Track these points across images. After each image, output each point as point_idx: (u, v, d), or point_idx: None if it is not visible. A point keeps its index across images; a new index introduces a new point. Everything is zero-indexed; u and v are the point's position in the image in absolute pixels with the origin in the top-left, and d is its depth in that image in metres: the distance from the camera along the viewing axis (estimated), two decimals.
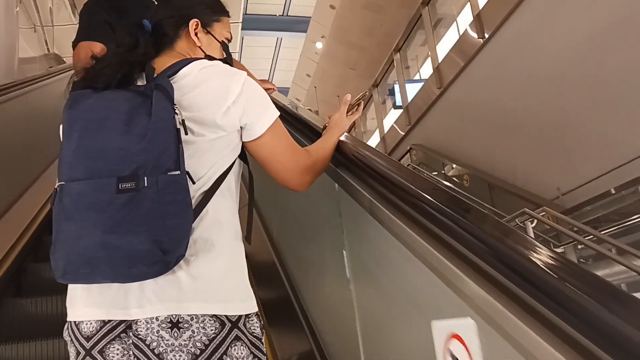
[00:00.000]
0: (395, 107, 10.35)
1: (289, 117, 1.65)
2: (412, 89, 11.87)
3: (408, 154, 7.81)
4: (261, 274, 2.00)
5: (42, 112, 4.04)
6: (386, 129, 9.52)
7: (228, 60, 1.27)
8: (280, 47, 17.86)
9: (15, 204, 3.31)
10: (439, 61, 7.39)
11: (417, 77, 10.96)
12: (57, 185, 1.03)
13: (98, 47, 1.85)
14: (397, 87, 10.68)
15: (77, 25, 2.10)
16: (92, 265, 0.98)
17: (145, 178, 0.97)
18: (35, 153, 3.90)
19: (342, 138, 1.39)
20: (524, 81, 5.53)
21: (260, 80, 1.71)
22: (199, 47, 1.24)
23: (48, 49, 6.32)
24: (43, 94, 4.12)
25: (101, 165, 0.99)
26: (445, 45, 7.80)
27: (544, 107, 5.27)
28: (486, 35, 6.11)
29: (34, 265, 3.05)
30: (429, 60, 9.69)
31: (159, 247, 0.96)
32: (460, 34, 6.83)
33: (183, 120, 1.04)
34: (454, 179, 6.61)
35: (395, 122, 9.01)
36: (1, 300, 2.58)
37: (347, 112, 1.40)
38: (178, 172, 1.00)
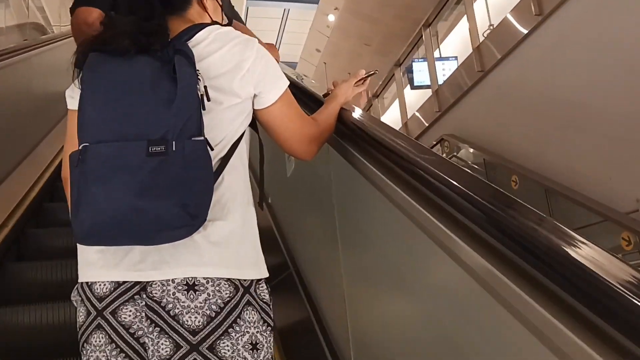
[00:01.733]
0: (413, 87, 9.44)
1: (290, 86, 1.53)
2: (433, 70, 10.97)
3: (439, 145, 6.86)
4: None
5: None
6: (409, 114, 8.52)
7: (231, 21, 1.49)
8: (287, 19, 16.85)
9: (14, 170, 3.29)
10: (480, 39, 6.39)
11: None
12: (81, 146, 1.01)
13: (95, 13, 1.85)
14: (415, 65, 9.85)
15: None
16: (120, 228, 0.98)
17: (174, 142, 0.97)
18: (34, 120, 3.87)
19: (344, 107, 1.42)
20: (594, 68, 4.57)
21: (266, 43, 1.66)
22: (207, 12, 1.25)
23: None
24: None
25: (131, 127, 0.99)
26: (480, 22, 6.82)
27: (619, 101, 4.33)
28: (545, 10, 5.13)
29: (34, 230, 3.06)
30: (453, 37, 8.71)
31: (186, 211, 0.98)
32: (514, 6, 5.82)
33: (205, 87, 1.05)
34: (497, 177, 5.68)
35: (421, 108, 8.02)
36: (2, 264, 2.59)
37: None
38: (202, 138, 1.01)
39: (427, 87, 9.93)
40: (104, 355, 1.07)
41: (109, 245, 1.07)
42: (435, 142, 6.92)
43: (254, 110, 1.20)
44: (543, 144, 5.18)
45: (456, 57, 11.13)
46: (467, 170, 1.02)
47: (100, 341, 1.08)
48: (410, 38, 12.71)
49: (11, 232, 2.80)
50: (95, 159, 1.00)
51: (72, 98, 1.18)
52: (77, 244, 1.12)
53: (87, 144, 1.01)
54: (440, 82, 11.29)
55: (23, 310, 2.23)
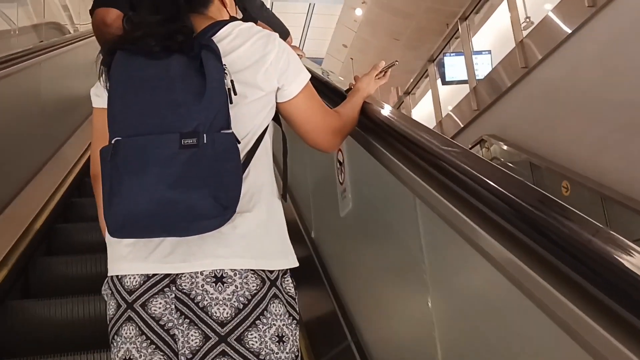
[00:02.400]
0: (444, 82, 9.03)
1: (313, 80, 1.35)
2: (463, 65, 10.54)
3: (478, 145, 6.45)
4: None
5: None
6: (444, 112, 8.11)
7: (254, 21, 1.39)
8: (313, 14, 16.49)
9: (44, 167, 3.36)
10: (523, 34, 5.96)
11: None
12: (113, 140, 1.03)
13: (113, 13, 1.89)
14: (447, 60, 9.50)
15: None
16: (153, 219, 1.00)
17: (205, 135, 0.99)
18: (63, 117, 3.93)
19: (368, 101, 1.43)
20: None
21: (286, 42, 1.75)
22: (226, 8, 1.28)
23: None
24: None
25: (163, 121, 1.01)
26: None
27: None
28: (599, 1, 4.69)
29: (63, 225, 3.14)
30: (485, 30, 8.26)
31: (219, 202, 0.99)
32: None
33: (232, 81, 1.06)
34: (546, 182, 5.27)
35: (457, 106, 7.61)
36: (34, 258, 2.66)
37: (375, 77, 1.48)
38: (231, 131, 1.03)
39: (460, 82, 9.57)
40: (134, 347, 1.08)
41: (142, 237, 1.08)
42: (474, 143, 6.51)
43: (277, 103, 1.22)
44: (598, 148, 4.75)
45: (490, 51, 10.72)
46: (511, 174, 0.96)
47: (130, 333, 1.09)
48: (444, 32, 12.34)
49: (42, 227, 2.88)
50: (128, 152, 1.01)
51: (98, 97, 1.20)
52: (106, 238, 1.15)
53: (119, 138, 1.02)
54: (478, 77, 10.92)
55: (55, 303, 2.28)
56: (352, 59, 14.51)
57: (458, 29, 7.28)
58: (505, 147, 6.03)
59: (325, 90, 1.74)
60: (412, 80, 9.63)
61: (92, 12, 2.01)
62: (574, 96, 5.06)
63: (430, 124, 8.27)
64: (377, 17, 12.57)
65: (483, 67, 10.72)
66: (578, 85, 5.03)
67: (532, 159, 5.45)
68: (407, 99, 9.40)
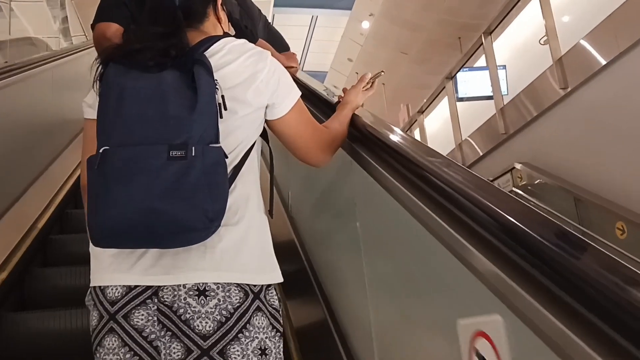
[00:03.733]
0: (458, 99, 8.43)
1: (303, 90, 1.39)
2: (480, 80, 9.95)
3: (509, 174, 5.79)
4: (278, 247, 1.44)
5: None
6: (464, 134, 7.45)
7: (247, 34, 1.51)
8: (315, 27, 15.92)
9: (38, 179, 3.28)
10: (562, 51, 5.32)
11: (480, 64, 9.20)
12: (100, 150, 1.02)
13: (113, 27, 1.92)
14: (460, 76, 8.98)
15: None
16: (139, 230, 1.00)
17: (193, 148, 0.99)
18: (56, 130, 3.87)
19: (356, 112, 1.45)
20: None
21: (284, 54, 1.98)
22: (220, 24, 1.29)
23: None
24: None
25: (152, 132, 1.01)
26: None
27: None
28: None
29: (58, 237, 3.10)
30: (499, 44, 7.62)
31: (205, 215, 1.00)
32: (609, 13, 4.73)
33: (223, 96, 1.08)
34: (595, 222, 4.60)
35: (479, 129, 6.95)
36: (29, 270, 2.64)
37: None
38: (219, 145, 1.04)
39: (474, 99, 9.01)
40: (117, 358, 1.08)
41: (126, 247, 1.08)
42: (503, 171, 5.85)
43: (268, 120, 1.23)
44: None
45: (504, 66, 10.16)
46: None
47: (113, 344, 1.08)
48: (455, 45, 11.72)
49: (36, 238, 2.83)
50: (116, 161, 1.01)
51: (90, 107, 1.20)
52: (90, 249, 1.15)
53: (107, 147, 1.02)
54: (488, 94, 10.30)
55: (49, 315, 2.27)
56: (357, 73, 13.87)
57: (482, 44, 6.59)
58: (540, 177, 5.36)
59: (316, 101, 1.81)
60: (426, 98, 8.99)
61: (93, 26, 2.04)
62: (626, 122, 4.40)
63: (446, 147, 7.62)
64: (385, 30, 11.96)
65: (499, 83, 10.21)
66: (630, 110, 4.38)
67: (577, 193, 4.78)
68: (420, 118, 8.73)
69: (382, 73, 1.57)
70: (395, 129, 1.37)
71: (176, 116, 1.01)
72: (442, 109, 9.05)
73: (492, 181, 5.28)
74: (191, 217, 0.99)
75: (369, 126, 1.37)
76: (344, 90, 1.53)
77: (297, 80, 1.51)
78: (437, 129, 9.39)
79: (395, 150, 1.21)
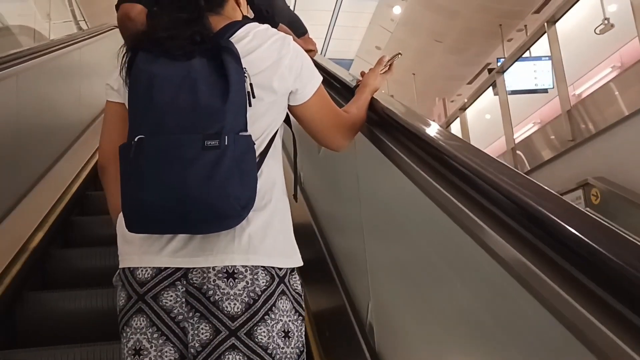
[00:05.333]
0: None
1: (323, 74, 1.38)
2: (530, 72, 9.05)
3: (580, 189, 4.89)
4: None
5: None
6: (518, 136, 6.54)
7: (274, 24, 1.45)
8: (340, 11, 15.01)
9: (59, 161, 3.28)
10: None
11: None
12: (136, 138, 1.04)
13: (137, 8, 1.94)
14: (513, 68, 8.14)
15: None
16: (173, 217, 1.03)
17: (226, 137, 1.01)
18: (76, 113, 3.85)
19: (375, 96, 1.45)
20: None
21: (302, 39, 2.00)
22: (239, 7, 1.28)
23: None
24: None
25: (186, 121, 1.02)
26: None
27: None
28: None
29: (79, 218, 3.17)
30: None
31: (238, 202, 1.02)
32: None
33: (251, 84, 1.08)
34: None
35: (539, 131, 6.03)
36: (49, 251, 2.69)
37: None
38: (249, 133, 1.06)
39: (522, 92, 8.15)
40: (144, 338, 1.09)
41: (160, 233, 1.10)
42: (576, 186, 4.94)
43: (290, 106, 1.23)
44: None
45: (549, 57, 9.29)
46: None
47: (141, 324, 1.10)
48: (495, 34, 10.75)
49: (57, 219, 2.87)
50: (152, 150, 1.02)
51: (115, 91, 1.21)
52: (118, 231, 1.17)
53: (142, 136, 1.03)
54: (541, 87, 9.38)
55: (69, 295, 2.32)
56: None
57: (545, 32, 5.64)
58: (625, 197, 4.45)
59: (334, 84, 1.82)
60: (461, 91, 8.09)
61: (117, 6, 2.04)
62: None
63: (500, 151, 6.72)
64: (419, 15, 11.01)
65: (543, 76, 9.29)
66: None
67: None
68: (462, 116, 7.81)
69: (400, 55, 1.55)
70: (415, 112, 1.34)
71: (209, 105, 1.02)
72: (478, 105, 8.17)
73: (562, 194, 4.38)
74: (224, 205, 1.01)
75: (387, 109, 1.35)
76: (362, 73, 1.54)
77: (316, 64, 1.43)
78: (475, 128, 8.48)
79: (414, 134, 1.17)
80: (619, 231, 0.66)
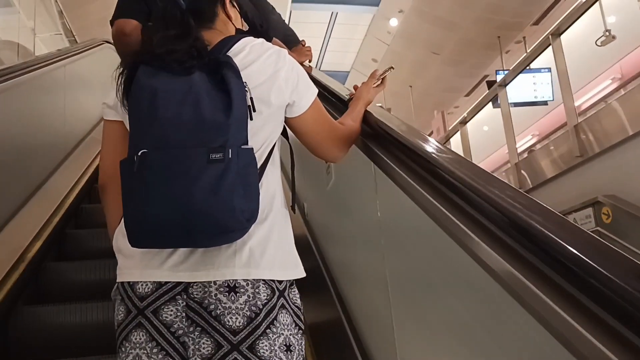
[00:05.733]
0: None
1: (317, 87, 1.39)
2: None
3: (590, 208, 4.69)
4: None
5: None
6: (518, 146, 6.35)
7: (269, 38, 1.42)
8: (335, 24, 14.87)
9: (52, 175, 3.23)
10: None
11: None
12: (139, 153, 1.02)
13: (132, 24, 1.98)
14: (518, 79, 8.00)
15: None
16: (177, 231, 1.02)
17: (230, 150, 1.01)
18: (70, 128, 3.81)
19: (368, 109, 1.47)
20: None
21: (295, 50, 2.13)
22: (231, 21, 1.29)
23: None
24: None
25: (190, 135, 1.02)
26: None
27: None
28: None
29: (73, 232, 3.11)
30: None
31: (243, 215, 1.02)
32: None
33: (252, 98, 1.09)
34: None
35: (545, 147, 5.84)
36: (44, 264, 2.64)
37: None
38: (250, 146, 1.06)
39: (522, 105, 8.03)
40: (144, 353, 1.08)
41: (164, 247, 1.09)
42: (585, 204, 4.74)
43: (287, 118, 1.24)
44: None
45: (549, 69, 9.20)
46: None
47: (140, 339, 1.08)
48: (494, 46, 10.61)
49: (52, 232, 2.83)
50: (156, 164, 1.01)
51: (111, 109, 1.22)
52: (117, 245, 1.17)
53: (145, 151, 1.02)
54: (540, 99, 9.22)
55: (64, 309, 2.28)
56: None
57: (549, 45, 5.47)
58: (631, 215, 4.25)
59: (329, 96, 1.87)
60: (458, 104, 7.90)
61: (112, 22, 2.05)
62: None
63: (502, 167, 6.53)
64: (415, 28, 10.88)
65: (542, 88, 9.16)
66: None
67: None
68: (463, 129, 7.62)
69: (392, 69, 1.57)
70: (407, 125, 1.35)
71: (213, 120, 1.02)
72: (475, 117, 8.00)
73: (565, 215, 4.19)
74: (229, 218, 1.00)
75: (380, 122, 1.37)
76: (355, 87, 1.56)
77: (310, 77, 1.40)
78: (472, 139, 8.30)
79: (407, 146, 1.19)
80: (614, 248, 0.66)
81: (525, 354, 0.79)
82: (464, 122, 7.55)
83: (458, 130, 7.65)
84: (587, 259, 0.64)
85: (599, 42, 8.04)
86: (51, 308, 2.32)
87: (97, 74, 4.37)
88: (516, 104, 7.87)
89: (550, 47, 5.33)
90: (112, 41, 2.14)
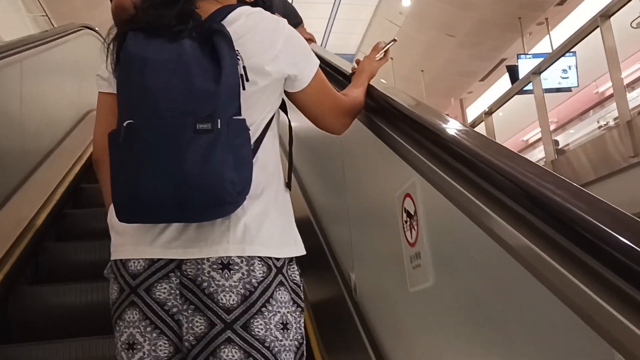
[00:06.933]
0: (521, 91, 6.88)
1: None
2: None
3: None
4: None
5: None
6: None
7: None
8: (341, 4, 14.21)
9: (51, 154, 3.21)
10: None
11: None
12: (125, 123, 1.00)
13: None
14: (521, 63, 7.55)
15: None
16: (168, 204, 0.99)
17: (219, 120, 0.98)
18: (69, 106, 3.78)
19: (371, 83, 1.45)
20: None
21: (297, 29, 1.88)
22: None
23: None
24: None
25: (178, 105, 0.99)
26: None
27: None
28: None
29: (72, 211, 3.13)
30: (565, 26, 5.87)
31: (233, 188, 0.99)
32: None
33: (244, 67, 1.06)
34: None
35: (590, 142, 5.24)
36: (43, 244, 2.66)
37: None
38: (242, 117, 1.03)
39: (547, 91, 7.47)
40: (138, 331, 1.07)
41: (154, 222, 1.06)
42: (636, 215, 4.15)
43: (289, 92, 1.21)
44: None
45: (574, 53, 8.64)
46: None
47: (134, 317, 1.07)
48: (514, 27, 9.94)
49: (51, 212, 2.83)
50: (143, 135, 0.99)
51: (105, 81, 1.19)
52: (110, 222, 1.13)
53: (131, 121, 0.99)
54: (565, 85, 8.59)
55: (62, 289, 2.30)
56: (392, 58, 12.18)
57: (598, 27, 4.83)
58: None
59: (331, 71, 1.80)
60: (500, 96, 7.28)
61: None
62: None
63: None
64: (429, 8, 10.21)
65: (567, 73, 8.57)
66: None
67: None
68: (488, 120, 7.01)
69: (395, 41, 1.56)
70: (413, 98, 1.34)
71: (202, 89, 0.99)
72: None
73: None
74: (220, 189, 0.97)
75: (385, 96, 1.35)
76: (357, 61, 1.54)
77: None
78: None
79: (412, 119, 1.18)
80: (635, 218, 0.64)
81: (543, 326, 0.78)
82: (489, 112, 6.93)
83: (482, 121, 7.03)
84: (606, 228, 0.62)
85: (634, 24, 7.47)
86: (52, 288, 2.32)
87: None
88: (525, 91, 7.31)
89: (602, 30, 4.68)
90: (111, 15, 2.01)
